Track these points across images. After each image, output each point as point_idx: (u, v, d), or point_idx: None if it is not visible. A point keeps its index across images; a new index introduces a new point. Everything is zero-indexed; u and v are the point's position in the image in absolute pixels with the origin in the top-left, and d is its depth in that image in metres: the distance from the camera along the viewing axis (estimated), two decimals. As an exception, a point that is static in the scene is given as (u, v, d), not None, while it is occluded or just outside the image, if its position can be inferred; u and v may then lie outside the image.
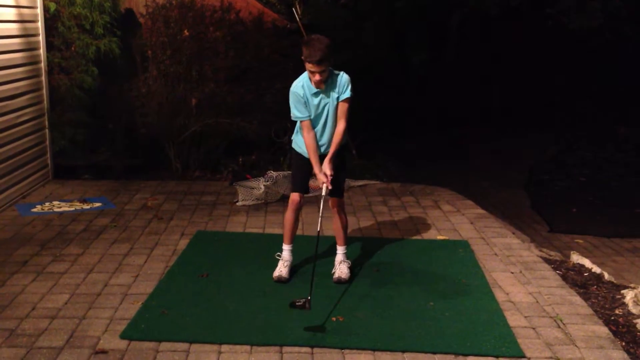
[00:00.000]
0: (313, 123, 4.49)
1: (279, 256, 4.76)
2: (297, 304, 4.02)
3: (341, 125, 4.46)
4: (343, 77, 4.42)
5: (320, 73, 4.27)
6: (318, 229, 4.39)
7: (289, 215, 4.69)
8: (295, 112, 4.47)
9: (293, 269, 4.76)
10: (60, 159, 7.57)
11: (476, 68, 13.84)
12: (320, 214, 4.35)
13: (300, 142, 4.59)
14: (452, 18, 13.13)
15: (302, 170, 4.68)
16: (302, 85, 4.42)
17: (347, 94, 4.41)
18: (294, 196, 4.66)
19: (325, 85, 4.39)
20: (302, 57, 4.29)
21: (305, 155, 4.58)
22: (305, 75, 4.43)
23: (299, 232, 5.62)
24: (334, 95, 4.42)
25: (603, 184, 9.97)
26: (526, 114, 13.89)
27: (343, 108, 4.44)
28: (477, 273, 4.84)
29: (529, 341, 3.82)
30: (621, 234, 7.43)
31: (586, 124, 13.65)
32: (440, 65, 13.07)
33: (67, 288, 4.46)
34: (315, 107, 4.45)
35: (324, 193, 4.41)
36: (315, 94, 4.42)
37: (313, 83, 4.35)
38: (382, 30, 10.74)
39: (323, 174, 4.40)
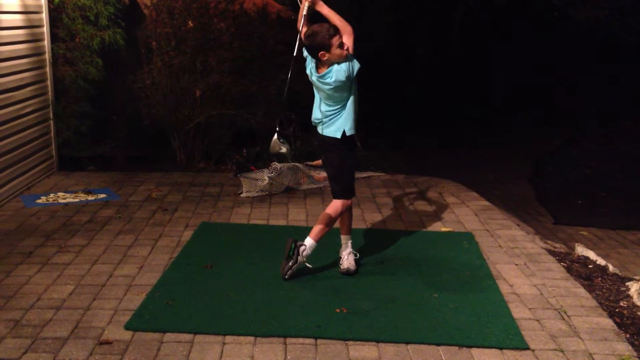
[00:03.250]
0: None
1: (300, 252, 4.46)
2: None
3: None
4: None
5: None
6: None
7: (335, 216, 4.56)
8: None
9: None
10: (65, 150, 7.58)
11: (481, 59, 13.79)
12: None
13: (353, 121, 4.43)
14: (456, 8, 13.09)
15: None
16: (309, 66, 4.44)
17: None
18: (348, 202, 4.63)
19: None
20: (329, 38, 4.25)
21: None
22: (310, 63, 4.43)
23: (304, 224, 5.66)
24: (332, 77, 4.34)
25: (608, 176, 9.94)
26: (531, 106, 13.85)
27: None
28: (481, 265, 4.84)
29: (533, 333, 3.82)
30: (626, 226, 7.40)
31: (592, 116, 13.60)
32: (445, 56, 13.04)
33: (72, 279, 4.47)
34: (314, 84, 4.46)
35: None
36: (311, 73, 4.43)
37: (344, 55, 4.27)
38: (386, 21, 10.71)
39: None
